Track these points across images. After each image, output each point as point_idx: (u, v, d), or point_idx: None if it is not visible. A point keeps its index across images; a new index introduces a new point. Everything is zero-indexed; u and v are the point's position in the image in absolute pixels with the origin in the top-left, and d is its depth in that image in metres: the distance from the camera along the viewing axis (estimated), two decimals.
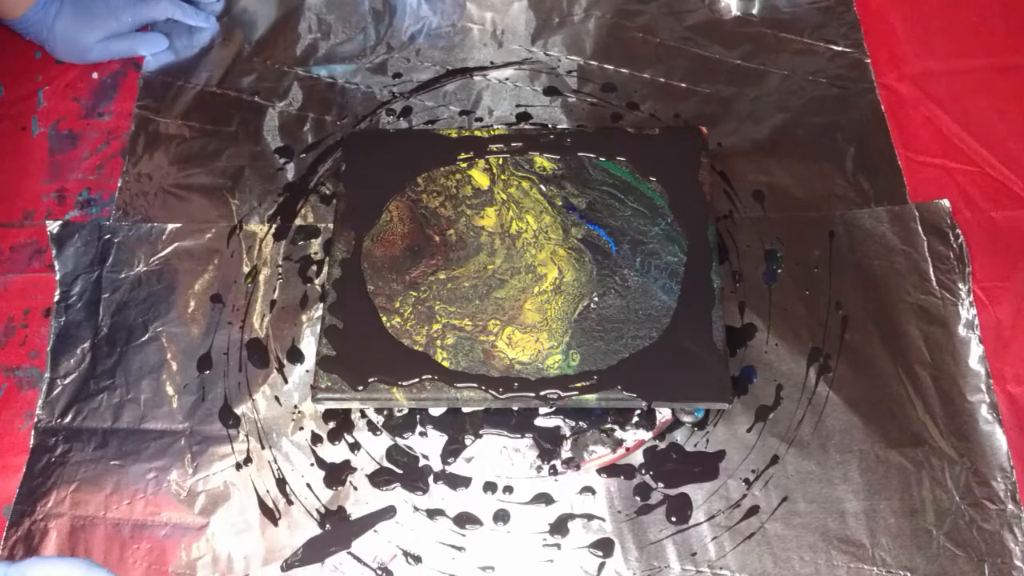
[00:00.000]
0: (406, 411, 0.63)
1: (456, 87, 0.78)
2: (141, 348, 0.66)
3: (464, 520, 0.60)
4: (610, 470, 0.61)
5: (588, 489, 0.60)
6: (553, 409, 0.62)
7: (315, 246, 0.70)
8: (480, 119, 0.76)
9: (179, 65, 0.80)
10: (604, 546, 0.58)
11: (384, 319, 0.63)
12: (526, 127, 0.75)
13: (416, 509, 0.60)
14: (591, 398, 0.60)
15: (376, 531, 0.59)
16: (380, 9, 0.83)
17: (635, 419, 0.62)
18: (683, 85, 0.77)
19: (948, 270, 0.66)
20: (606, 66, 0.79)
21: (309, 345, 0.66)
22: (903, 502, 0.59)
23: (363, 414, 0.63)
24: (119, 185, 0.73)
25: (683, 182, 0.68)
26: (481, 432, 0.62)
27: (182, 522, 0.60)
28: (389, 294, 0.64)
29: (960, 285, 0.65)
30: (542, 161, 0.69)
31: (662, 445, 0.61)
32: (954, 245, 0.67)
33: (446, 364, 0.61)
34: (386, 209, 0.68)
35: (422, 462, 0.62)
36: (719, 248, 0.67)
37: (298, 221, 0.71)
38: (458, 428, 0.62)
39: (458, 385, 0.60)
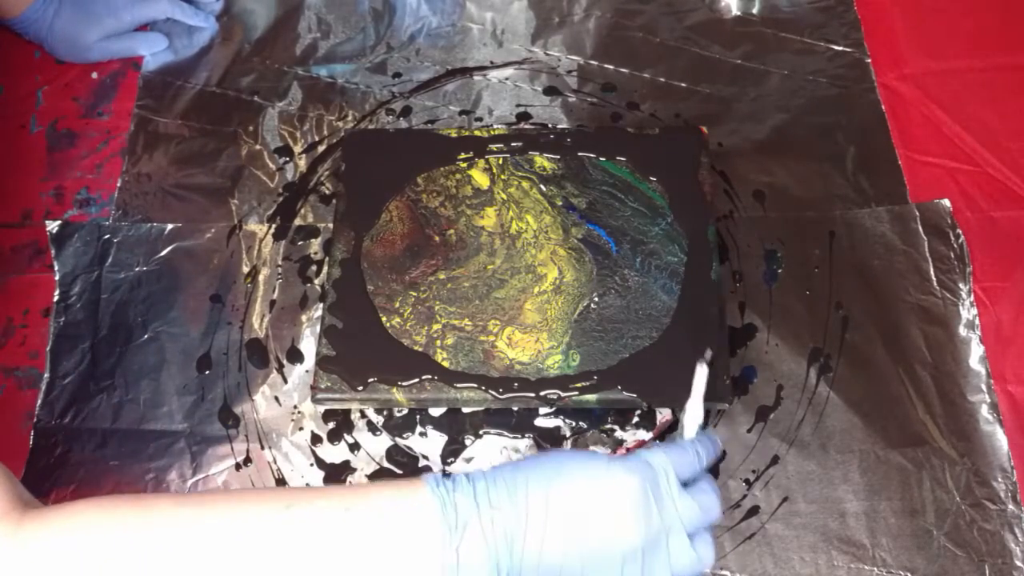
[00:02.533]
0: (406, 411, 0.63)
1: (456, 87, 0.78)
2: (141, 348, 0.66)
3: None
4: None
5: None
6: (553, 409, 0.62)
7: (315, 246, 0.70)
8: (480, 119, 0.76)
9: (178, 65, 0.80)
10: None
11: (384, 319, 0.63)
12: (526, 127, 0.75)
13: None
14: (591, 398, 0.60)
15: None
16: (380, 9, 0.83)
17: (635, 419, 0.62)
18: (683, 85, 0.77)
19: (948, 270, 0.66)
20: (606, 66, 0.79)
21: (309, 345, 0.66)
22: (903, 502, 0.58)
23: (363, 414, 0.63)
24: (118, 185, 0.73)
25: (683, 182, 0.67)
26: (481, 432, 0.62)
27: None
28: (389, 294, 0.64)
29: (960, 285, 0.65)
30: (542, 161, 0.69)
31: None
32: (954, 245, 0.67)
33: (446, 364, 0.61)
34: (386, 209, 0.67)
35: (422, 462, 0.61)
36: (719, 248, 0.67)
37: (298, 221, 0.71)
38: (458, 428, 0.62)
39: (458, 385, 0.60)
